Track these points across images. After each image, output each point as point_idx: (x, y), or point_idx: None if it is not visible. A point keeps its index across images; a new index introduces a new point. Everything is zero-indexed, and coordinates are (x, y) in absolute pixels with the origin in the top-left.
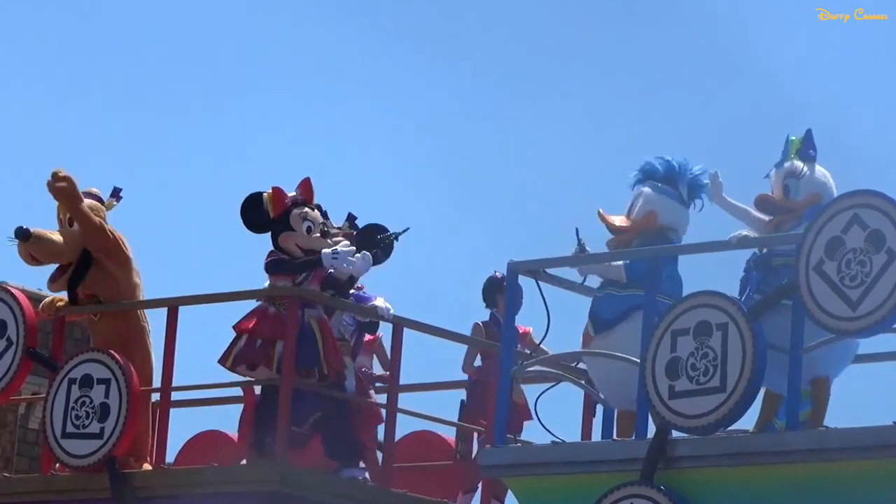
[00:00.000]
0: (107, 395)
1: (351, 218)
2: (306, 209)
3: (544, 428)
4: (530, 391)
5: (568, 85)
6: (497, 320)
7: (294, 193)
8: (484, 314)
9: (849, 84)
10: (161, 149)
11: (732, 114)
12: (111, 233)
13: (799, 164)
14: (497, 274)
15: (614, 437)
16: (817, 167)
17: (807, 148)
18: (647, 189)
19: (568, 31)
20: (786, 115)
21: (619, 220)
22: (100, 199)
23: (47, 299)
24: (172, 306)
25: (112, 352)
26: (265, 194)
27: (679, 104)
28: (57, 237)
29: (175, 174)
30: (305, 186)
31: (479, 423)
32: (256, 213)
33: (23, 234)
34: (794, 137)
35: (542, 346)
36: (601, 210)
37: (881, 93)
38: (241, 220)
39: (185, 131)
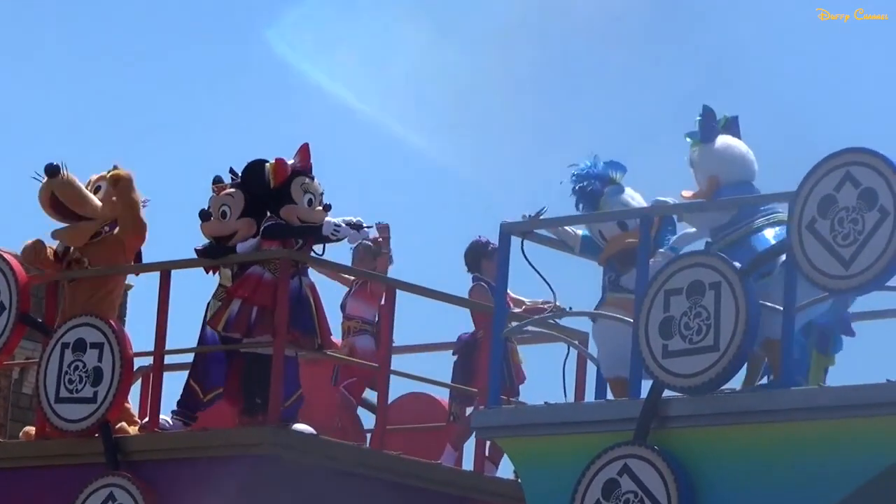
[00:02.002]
0: (100, 360)
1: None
2: (307, 180)
3: (564, 390)
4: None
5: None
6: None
7: (293, 160)
8: (465, 278)
9: (849, 84)
10: (158, 109)
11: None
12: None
13: (690, 152)
14: (481, 238)
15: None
16: (720, 141)
17: (700, 129)
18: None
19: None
20: (785, 115)
21: None
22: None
23: (29, 241)
24: (165, 270)
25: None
26: (268, 164)
27: (674, 105)
28: (90, 194)
29: (169, 138)
30: (304, 153)
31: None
32: (257, 180)
33: (52, 170)
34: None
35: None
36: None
37: (881, 93)
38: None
39: (178, 99)
